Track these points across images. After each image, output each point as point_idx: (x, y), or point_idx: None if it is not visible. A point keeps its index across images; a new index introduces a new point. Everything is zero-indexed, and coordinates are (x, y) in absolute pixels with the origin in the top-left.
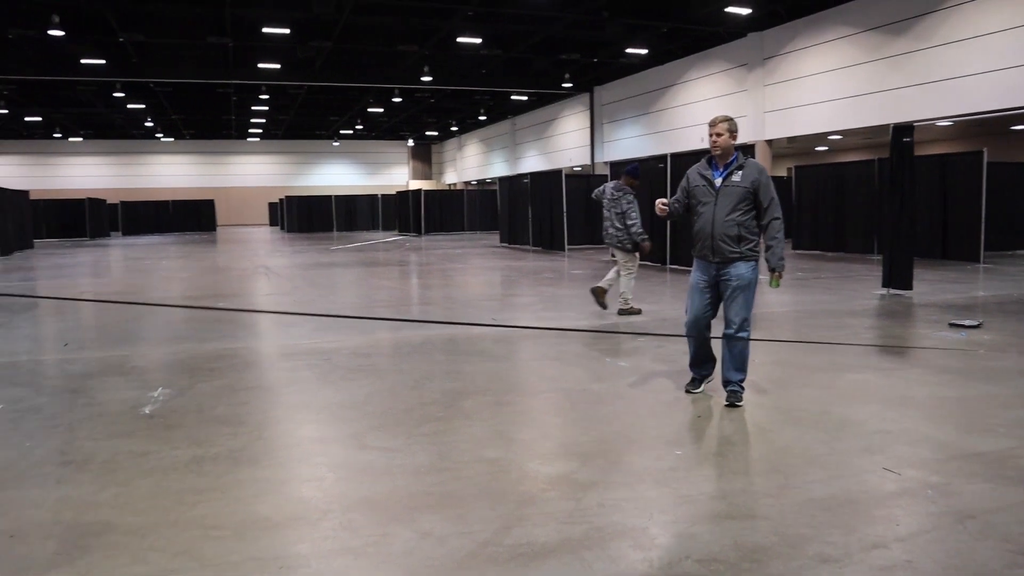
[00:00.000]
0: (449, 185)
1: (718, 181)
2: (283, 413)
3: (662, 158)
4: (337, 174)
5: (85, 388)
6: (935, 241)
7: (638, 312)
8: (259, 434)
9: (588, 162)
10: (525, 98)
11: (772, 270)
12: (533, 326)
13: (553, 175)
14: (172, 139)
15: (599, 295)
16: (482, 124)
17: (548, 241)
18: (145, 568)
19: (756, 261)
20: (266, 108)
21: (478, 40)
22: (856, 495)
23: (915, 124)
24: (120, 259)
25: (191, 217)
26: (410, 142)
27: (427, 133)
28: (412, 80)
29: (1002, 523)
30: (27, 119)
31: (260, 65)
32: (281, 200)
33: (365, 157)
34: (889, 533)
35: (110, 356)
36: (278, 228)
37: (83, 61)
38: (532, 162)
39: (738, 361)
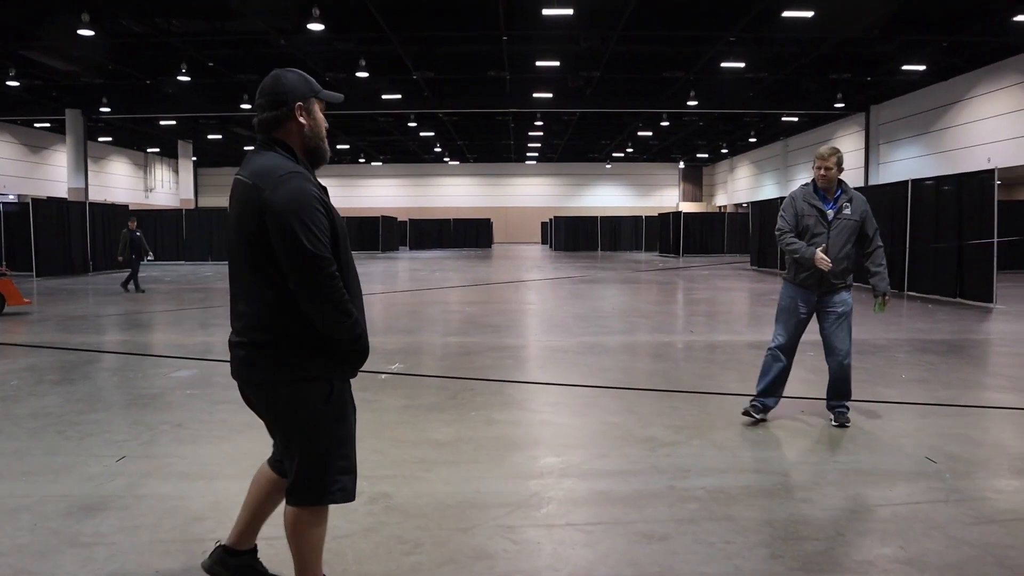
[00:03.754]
0: (719, 207)
1: (830, 213)
2: (480, 385)
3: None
4: (609, 195)
5: None
6: None
7: None
8: (453, 394)
9: (862, 184)
10: (796, 119)
11: (881, 294)
12: (721, 339)
13: None
14: (457, 162)
15: None
16: (753, 146)
17: None
18: None
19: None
20: (541, 133)
21: (742, 64)
22: (879, 470)
23: None
24: (404, 269)
25: (470, 234)
26: (681, 164)
27: (698, 155)
28: (678, 104)
29: (995, 507)
30: (338, 147)
31: (535, 95)
32: (550, 220)
33: (636, 179)
34: (874, 492)
35: (370, 341)
36: (547, 246)
37: (383, 96)
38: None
39: (845, 386)
